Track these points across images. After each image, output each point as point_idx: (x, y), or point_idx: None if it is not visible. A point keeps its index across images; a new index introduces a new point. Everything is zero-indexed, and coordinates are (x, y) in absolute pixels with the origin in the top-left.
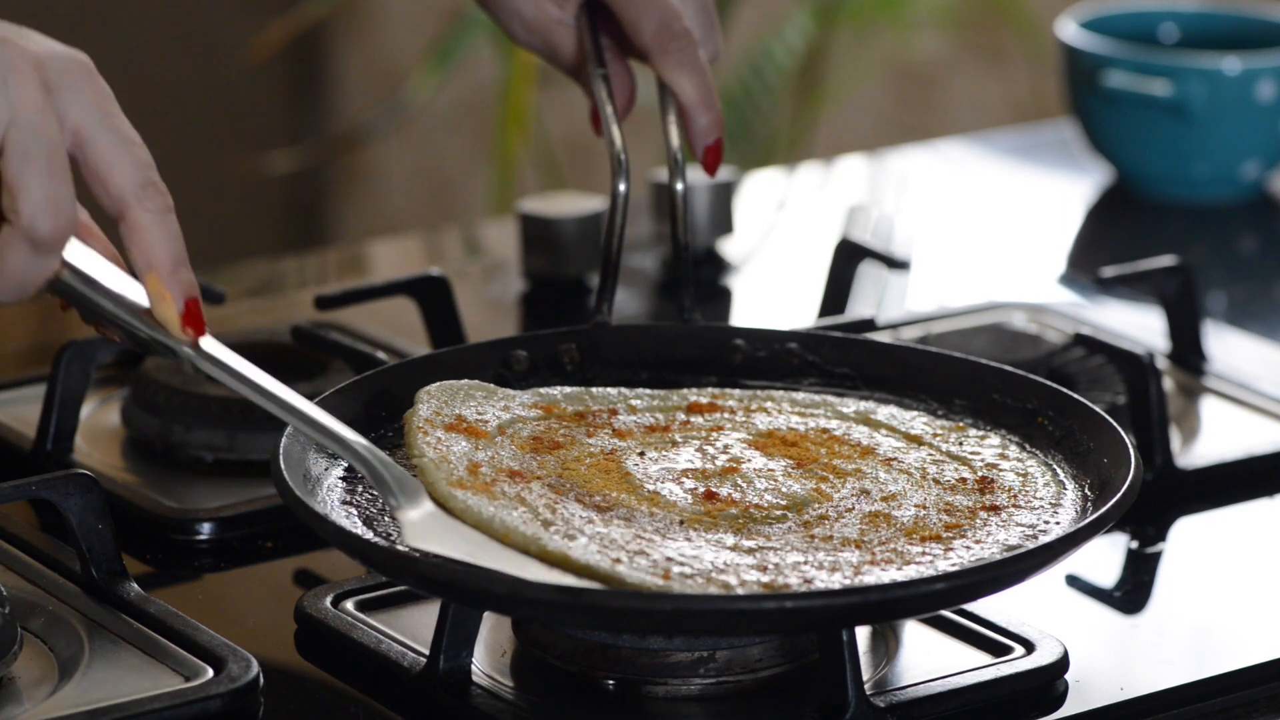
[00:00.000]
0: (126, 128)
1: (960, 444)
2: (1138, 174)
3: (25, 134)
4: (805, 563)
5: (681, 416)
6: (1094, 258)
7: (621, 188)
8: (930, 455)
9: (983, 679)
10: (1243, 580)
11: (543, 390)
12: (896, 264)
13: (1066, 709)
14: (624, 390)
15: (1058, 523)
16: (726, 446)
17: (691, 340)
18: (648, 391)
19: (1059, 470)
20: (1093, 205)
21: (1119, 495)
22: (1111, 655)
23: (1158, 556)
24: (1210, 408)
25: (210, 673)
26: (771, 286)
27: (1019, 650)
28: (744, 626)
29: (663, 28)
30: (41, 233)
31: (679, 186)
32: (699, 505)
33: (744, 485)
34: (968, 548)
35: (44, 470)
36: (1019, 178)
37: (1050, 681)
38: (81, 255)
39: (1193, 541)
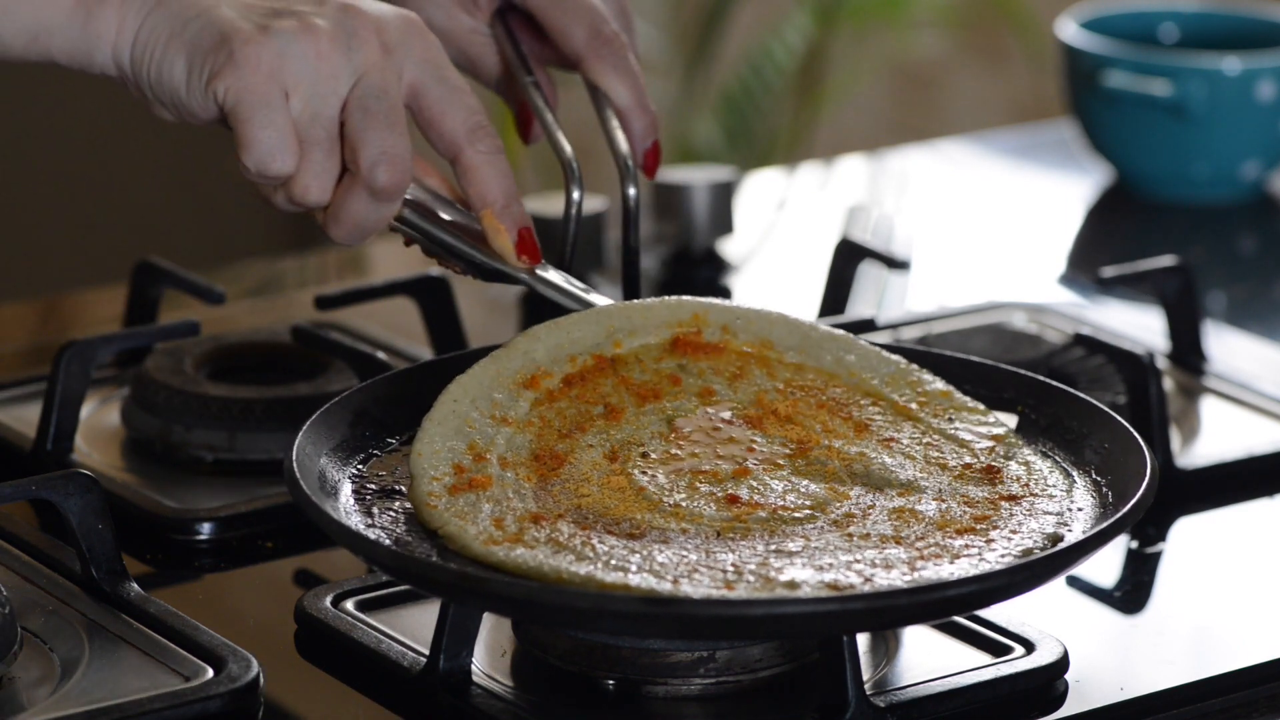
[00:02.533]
0: (456, 78)
1: (950, 419)
2: (1138, 174)
3: (367, 93)
4: (857, 561)
5: (669, 368)
6: (1094, 258)
7: (575, 195)
8: (923, 433)
9: (983, 679)
10: (1243, 580)
11: (524, 344)
12: (896, 264)
13: (1066, 709)
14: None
15: (1080, 508)
16: (725, 427)
17: None
18: (626, 326)
19: (1056, 457)
20: (1093, 205)
21: (1144, 485)
22: (1111, 655)
23: (1158, 556)
24: (1210, 408)
25: (210, 673)
26: (771, 286)
27: (1019, 650)
28: (839, 625)
29: (593, 33)
30: (380, 183)
31: (631, 191)
32: (725, 511)
33: (761, 489)
34: (1008, 538)
35: (44, 470)
36: (1019, 178)
37: (1050, 681)
38: (423, 194)
39: (1193, 541)
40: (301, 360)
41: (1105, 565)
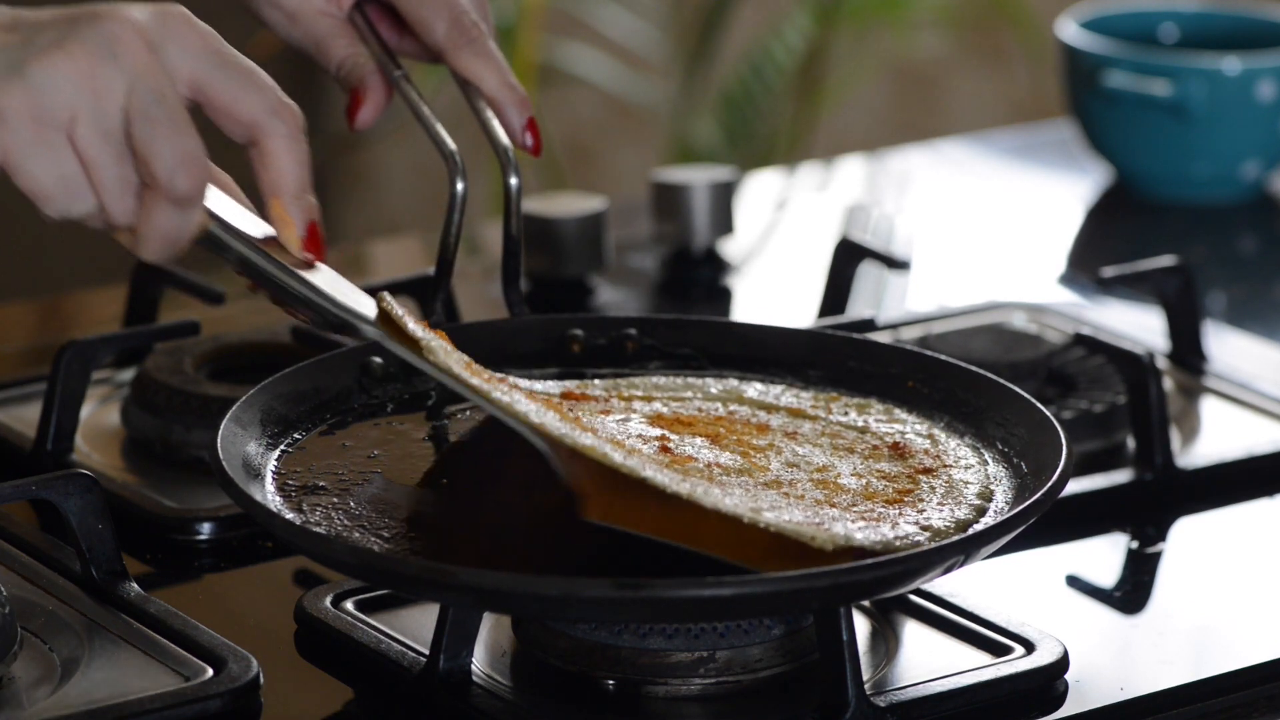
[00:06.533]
0: (239, 61)
1: (846, 413)
2: (1138, 174)
3: (145, 99)
4: (806, 514)
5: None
6: (1094, 258)
7: (459, 187)
8: (825, 427)
9: (983, 679)
10: (1243, 580)
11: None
12: (896, 264)
13: (1066, 709)
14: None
15: (998, 476)
16: (635, 427)
17: (530, 333)
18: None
19: (957, 428)
20: (1093, 205)
21: (1062, 464)
22: (1111, 655)
23: (1158, 556)
24: (1210, 408)
25: (210, 673)
26: (771, 286)
27: (1019, 650)
28: (806, 603)
29: (454, 23)
30: (181, 189)
31: (513, 181)
32: (664, 457)
33: (689, 449)
34: (938, 509)
35: (44, 470)
36: (1019, 178)
37: (1050, 681)
38: (229, 209)
39: (1193, 541)
40: (301, 360)
41: (1105, 565)
